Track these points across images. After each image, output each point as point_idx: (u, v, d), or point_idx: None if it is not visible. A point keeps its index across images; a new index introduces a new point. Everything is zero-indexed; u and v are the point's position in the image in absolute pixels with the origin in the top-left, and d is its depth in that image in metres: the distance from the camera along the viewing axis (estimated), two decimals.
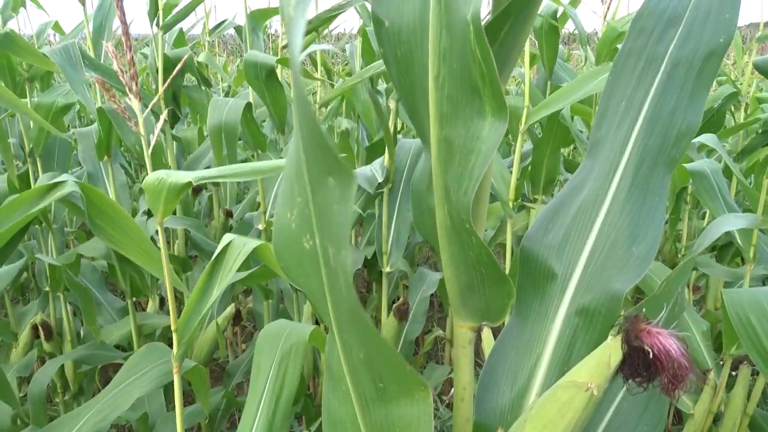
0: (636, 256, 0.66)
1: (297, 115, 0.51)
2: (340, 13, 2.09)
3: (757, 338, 0.95)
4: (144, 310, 2.27)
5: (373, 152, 2.24)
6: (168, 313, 2.40)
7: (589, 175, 0.72)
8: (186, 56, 2.12)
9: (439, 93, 0.52)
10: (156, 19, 2.39)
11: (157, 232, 1.87)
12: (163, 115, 0.81)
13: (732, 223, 1.08)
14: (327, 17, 1.96)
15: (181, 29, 2.66)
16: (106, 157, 1.79)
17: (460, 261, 0.57)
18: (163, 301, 2.31)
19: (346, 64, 3.27)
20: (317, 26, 1.81)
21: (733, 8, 0.69)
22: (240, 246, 0.84)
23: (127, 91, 0.74)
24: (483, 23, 0.49)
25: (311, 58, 2.94)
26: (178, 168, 2.10)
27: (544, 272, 0.70)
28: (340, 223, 0.48)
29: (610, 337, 0.54)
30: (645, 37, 0.72)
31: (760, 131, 2.00)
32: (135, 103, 0.75)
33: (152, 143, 0.77)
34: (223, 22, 2.56)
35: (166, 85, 1.12)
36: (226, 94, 3.56)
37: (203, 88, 2.55)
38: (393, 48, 0.55)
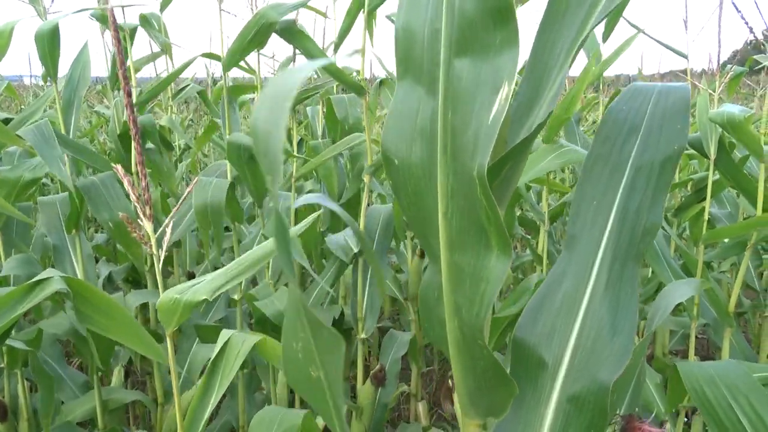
0: (617, 347, 0.74)
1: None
2: (314, 94, 2.14)
3: (712, 409, 1.07)
4: (106, 383, 2.20)
5: (337, 216, 2.29)
6: (133, 387, 2.33)
7: (568, 268, 0.81)
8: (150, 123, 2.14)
9: (448, 226, 0.59)
10: (116, 84, 2.40)
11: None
12: (169, 228, 0.83)
13: (681, 293, 1.19)
14: (302, 98, 2.02)
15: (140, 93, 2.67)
16: (74, 231, 1.77)
17: (470, 369, 0.63)
18: (127, 374, 2.25)
19: (299, 123, 3.35)
20: (293, 106, 1.87)
21: (683, 120, 0.80)
22: (239, 343, 0.86)
23: (140, 214, 0.77)
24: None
25: None
26: None
27: (535, 361, 0.76)
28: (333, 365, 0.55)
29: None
30: (609, 144, 0.83)
31: (692, 191, 2.20)
32: (148, 225, 0.78)
33: (162, 257, 0.80)
34: (186, 86, 2.59)
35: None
36: (183, 152, 3.55)
37: (164, 151, 2.56)
38: (403, 182, 0.62)
